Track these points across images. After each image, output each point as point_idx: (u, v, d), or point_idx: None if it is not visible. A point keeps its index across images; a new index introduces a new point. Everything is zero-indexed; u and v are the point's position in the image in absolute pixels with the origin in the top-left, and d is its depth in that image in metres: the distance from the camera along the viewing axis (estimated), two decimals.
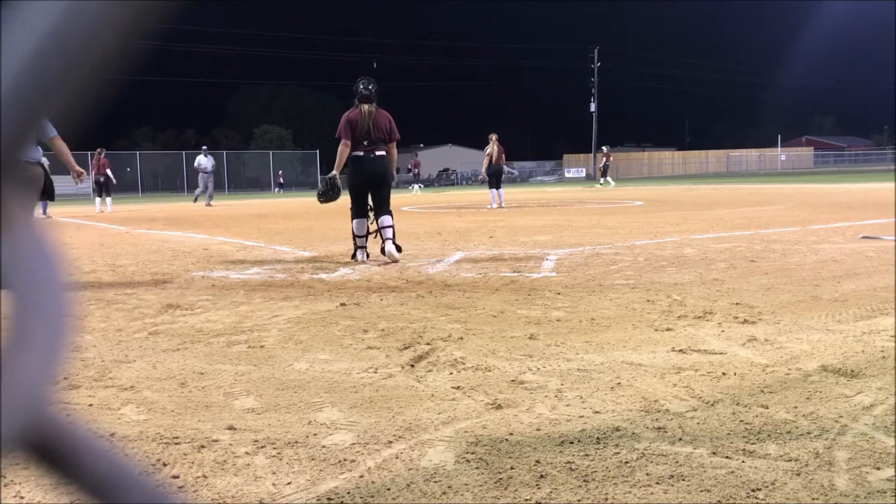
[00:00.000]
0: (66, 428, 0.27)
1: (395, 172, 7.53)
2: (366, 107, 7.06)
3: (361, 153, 7.09)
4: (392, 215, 7.20)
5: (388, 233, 7.04)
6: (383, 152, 7.15)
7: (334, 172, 7.33)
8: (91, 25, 0.23)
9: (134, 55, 0.25)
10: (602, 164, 30.87)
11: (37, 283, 0.25)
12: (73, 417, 0.30)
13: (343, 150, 7.15)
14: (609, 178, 31.17)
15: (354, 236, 7.22)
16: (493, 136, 17.36)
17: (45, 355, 0.24)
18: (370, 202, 7.21)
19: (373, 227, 7.19)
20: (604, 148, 30.39)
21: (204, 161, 23.51)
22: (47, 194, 5.62)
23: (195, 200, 24.31)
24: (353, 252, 7.28)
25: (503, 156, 17.70)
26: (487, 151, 17.37)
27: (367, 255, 7.23)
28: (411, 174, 38.43)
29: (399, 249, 7.12)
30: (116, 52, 0.24)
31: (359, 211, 7.20)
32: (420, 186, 38.19)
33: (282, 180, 51.11)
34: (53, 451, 0.27)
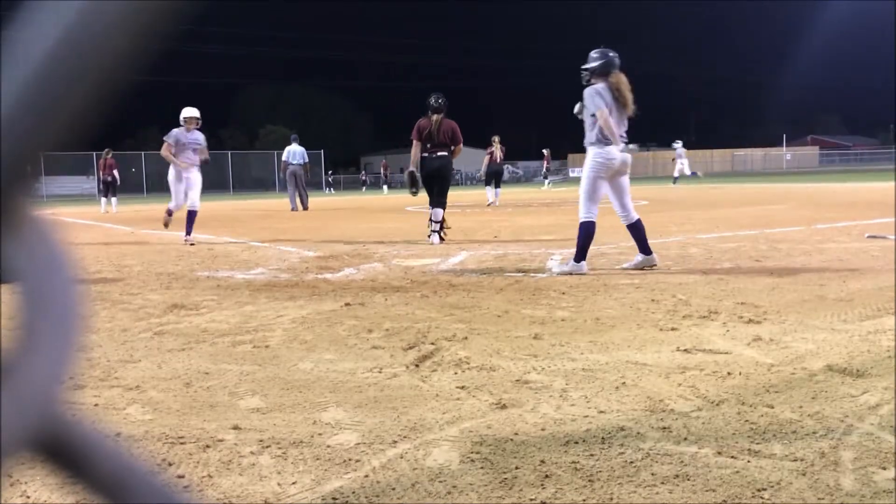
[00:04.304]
0: (76, 427, 0.28)
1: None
2: (434, 116, 8.84)
3: (426, 154, 8.88)
4: (443, 208, 8.87)
5: (434, 225, 8.78)
6: (445, 153, 8.86)
7: (410, 168, 9.12)
8: (106, 27, 0.24)
9: (150, 57, 0.25)
10: (545, 168, 32.15)
11: (47, 282, 0.26)
12: (78, 417, 0.30)
13: (413, 149, 8.96)
14: (548, 181, 32.19)
15: (431, 221, 8.88)
16: (496, 139, 18.56)
17: (55, 354, 0.25)
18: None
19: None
20: (544, 151, 30.99)
21: (297, 152, 18.84)
22: None
23: (296, 208, 18.68)
24: (428, 234, 8.86)
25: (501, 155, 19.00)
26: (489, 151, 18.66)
27: (441, 239, 8.70)
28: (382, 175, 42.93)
29: (441, 239, 8.68)
30: (131, 54, 0.24)
31: (430, 201, 9.04)
32: (387, 187, 41.48)
33: (331, 179, 51.03)
34: (63, 450, 0.27)
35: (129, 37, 0.24)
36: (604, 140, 5.82)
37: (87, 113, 0.24)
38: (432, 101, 8.87)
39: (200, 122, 9.58)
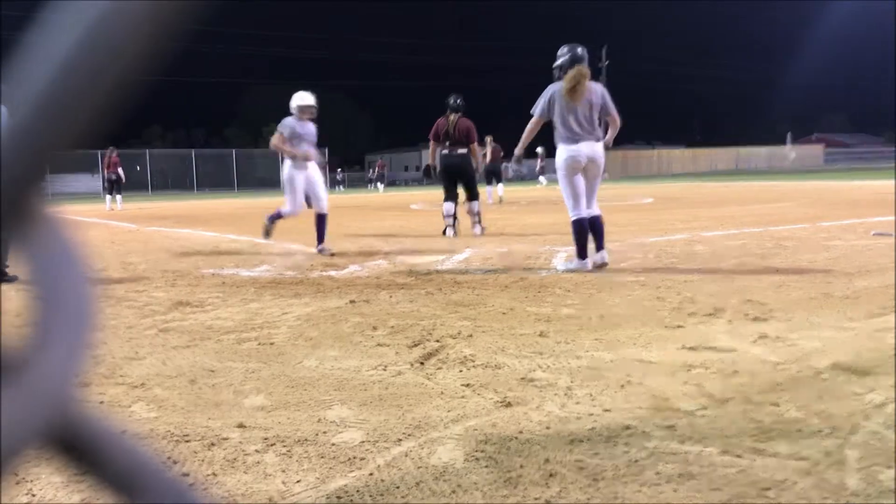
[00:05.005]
0: (88, 423, 0.28)
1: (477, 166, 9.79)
2: (452, 115, 9.30)
3: (446, 151, 9.33)
4: (478, 201, 9.44)
5: (475, 217, 9.30)
6: (464, 150, 9.28)
7: (426, 164, 9.93)
8: (124, 30, 0.24)
9: (165, 58, 0.25)
10: (539, 166, 32.63)
11: (59, 279, 0.26)
12: (89, 413, 0.30)
13: (430, 148, 9.57)
14: (542, 179, 32.56)
15: (444, 216, 9.32)
16: (489, 139, 18.85)
17: (67, 351, 0.25)
18: (459, 189, 9.43)
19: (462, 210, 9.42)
20: (538, 150, 31.39)
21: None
22: None
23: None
24: (443, 229, 9.33)
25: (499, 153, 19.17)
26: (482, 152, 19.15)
27: (455, 233, 9.16)
28: (377, 174, 44.18)
29: (483, 231, 9.26)
30: (148, 56, 0.24)
31: (445, 195, 9.37)
32: (383, 185, 42.06)
33: (340, 178, 51.28)
34: (75, 446, 0.27)
35: (147, 39, 0.24)
36: (566, 138, 5.84)
37: (104, 114, 0.24)
38: (451, 101, 9.35)
39: (317, 111, 7.63)
